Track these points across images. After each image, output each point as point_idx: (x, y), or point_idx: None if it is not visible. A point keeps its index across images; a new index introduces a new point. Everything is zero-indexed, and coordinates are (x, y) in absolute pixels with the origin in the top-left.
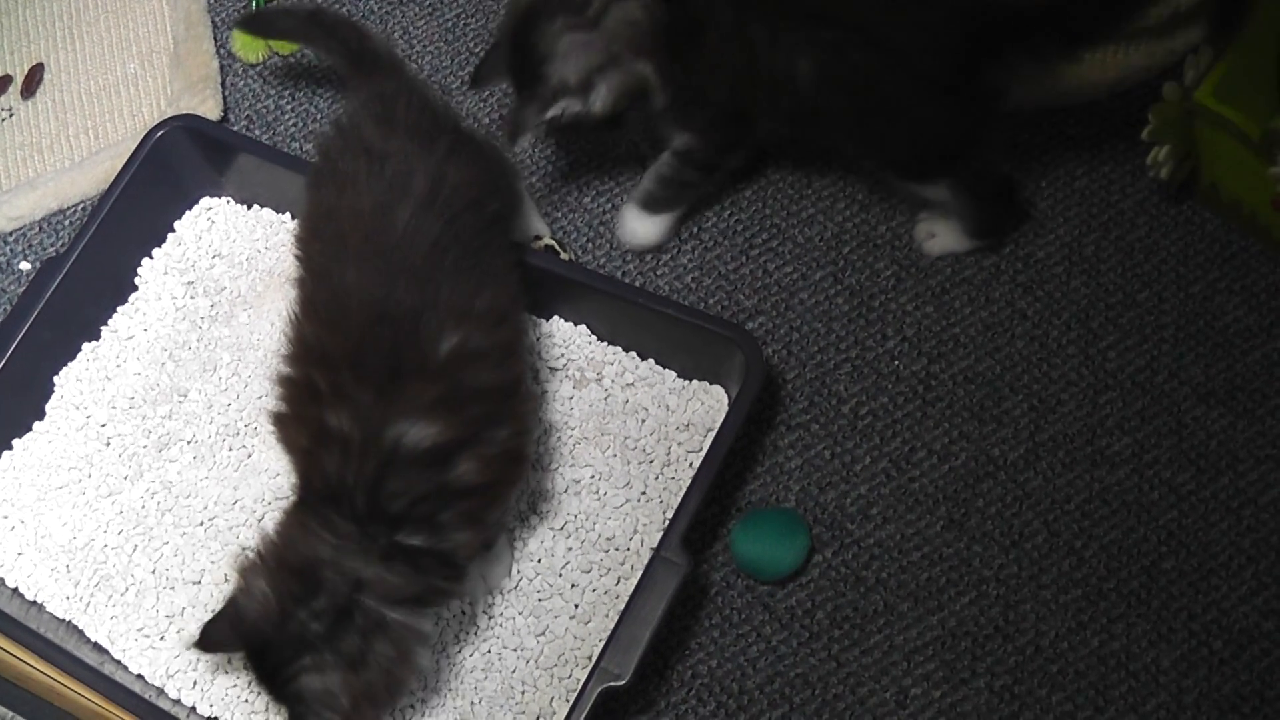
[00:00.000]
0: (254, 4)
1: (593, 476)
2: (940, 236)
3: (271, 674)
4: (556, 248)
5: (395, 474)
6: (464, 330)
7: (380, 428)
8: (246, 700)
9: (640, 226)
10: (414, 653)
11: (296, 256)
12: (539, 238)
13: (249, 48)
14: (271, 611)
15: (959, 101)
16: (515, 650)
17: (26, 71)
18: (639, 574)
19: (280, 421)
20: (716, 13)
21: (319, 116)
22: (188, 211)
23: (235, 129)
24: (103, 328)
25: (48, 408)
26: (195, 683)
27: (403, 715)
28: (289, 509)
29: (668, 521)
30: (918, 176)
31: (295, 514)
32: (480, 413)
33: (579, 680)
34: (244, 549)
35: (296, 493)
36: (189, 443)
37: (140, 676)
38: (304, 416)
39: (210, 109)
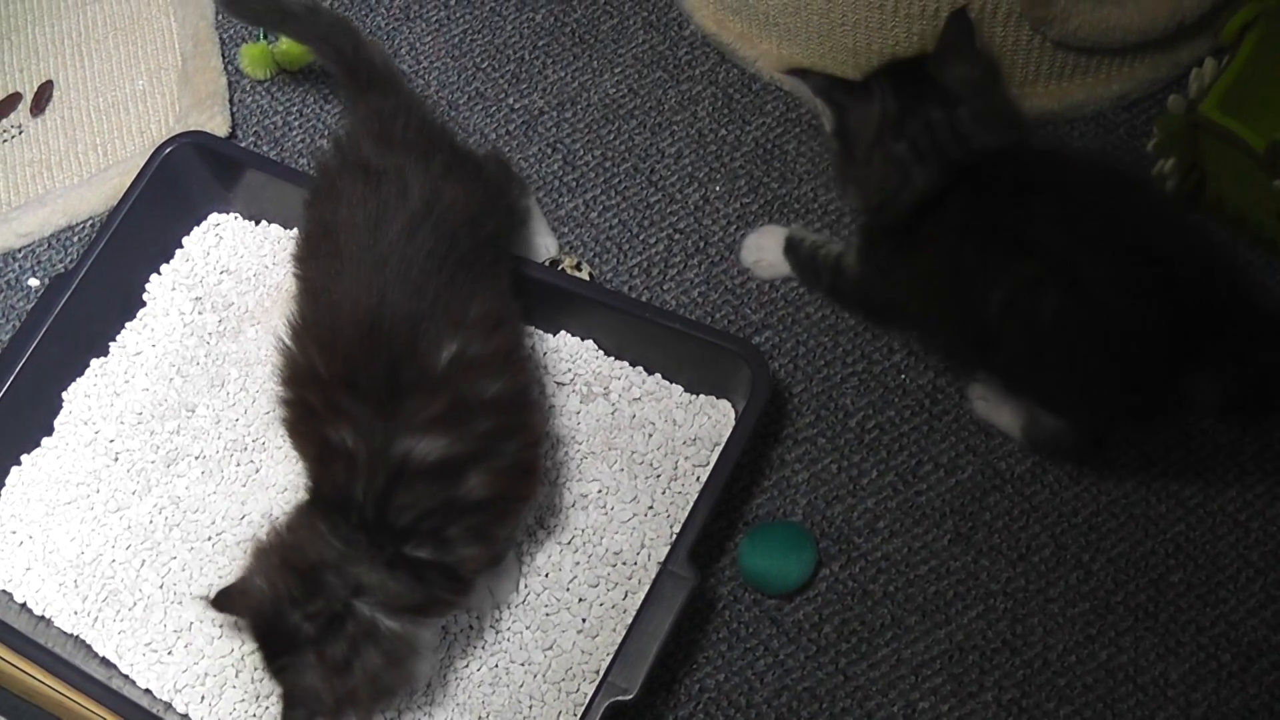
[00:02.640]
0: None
1: (600, 491)
2: (996, 413)
3: (269, 661)
4: (580, 275)
5: (404, 488)
6: (461, 338)
7: (387, 443)
8: (254, 715)
9: (773, 254)
10: (407, 662)
11: (295, 275)
12: (558, 262)
13: (256, 64)
14: (266, 607)
15: (1134, 374)
16: (523, 664)
17: (36, 89)
18: (646, 588)
19: (290, 430)
20: (942, 237)
21: (326, 132)
22: (196, 227)
23: (243, 145)
24: (111, 343)
25: (56, 423)
26: (203, 697)
27: None
28: (301, 506)
29: (675, 536)
30: (1047, 408)
31: (307, 514)
32: (489, 426)
33: (586, 694)
34: (260, 533)
35: (309, 493)
36: (197, 458)
37: (148, 691)
38: (307, 431)
39: (218, 125)
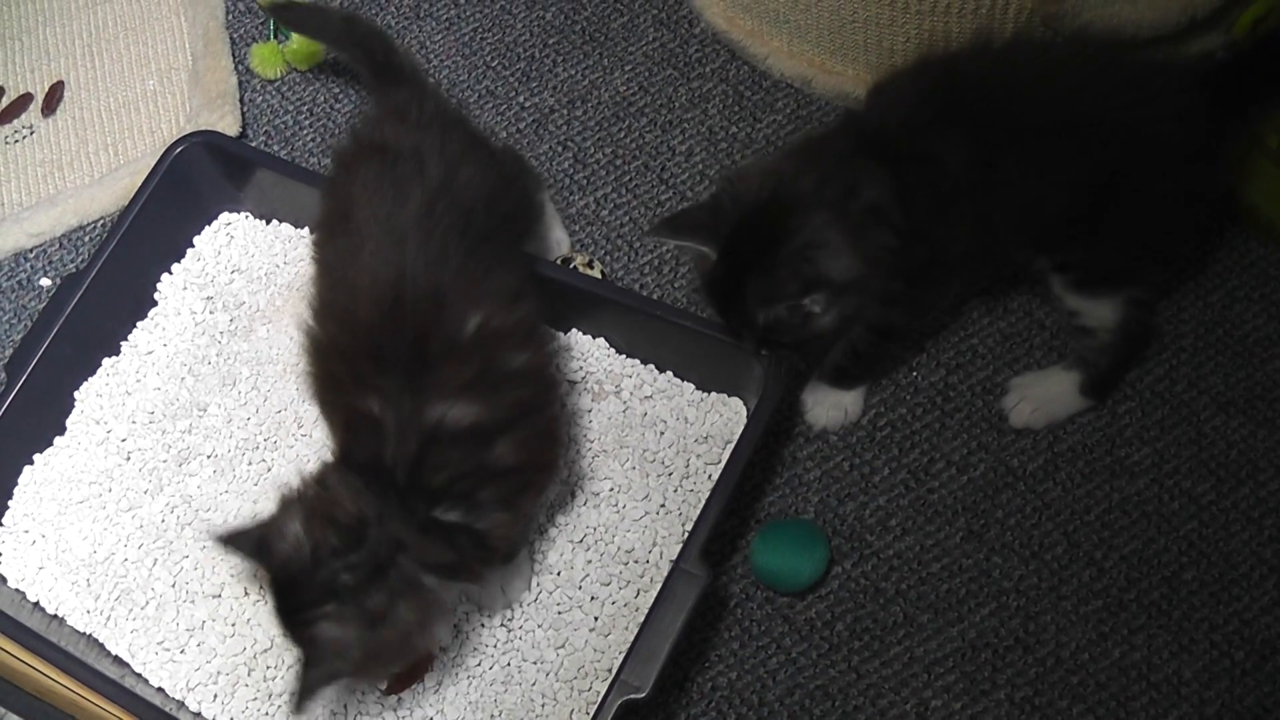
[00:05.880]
0: (273, 22)
1: (612, 489)
2: (1045, 405)
3: (292, 613)
4: (592, 273)
5: (437, 451)
6: (484, 309)
7: (418, 410)
8: (267, 714)
9: (837, 404)
10: (435, 622)
11: (314, 259)
12: (570, 260)
13: (267, 64)
14: (303, 556)
15: (1203, 174)
16: (535, 663)
17: (47, 89)
18: (658, 586)
19: (319, 399)
20: (966, 174)
21: (337, 131)
22: (207, 227)
23: (254, 144)
24: (123, 343)
25: (68, 423)
26: (215, 696)
27: None
28: (332, 465)
29: (687, 534)
30: (1120, 280)
31: (340, 472)
32: (516, 396)
33: (599, 693)
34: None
35: (338, 455)
36: (209, 457)
37: (161, 690)
38: (334, 401)
39: (229, 125)
